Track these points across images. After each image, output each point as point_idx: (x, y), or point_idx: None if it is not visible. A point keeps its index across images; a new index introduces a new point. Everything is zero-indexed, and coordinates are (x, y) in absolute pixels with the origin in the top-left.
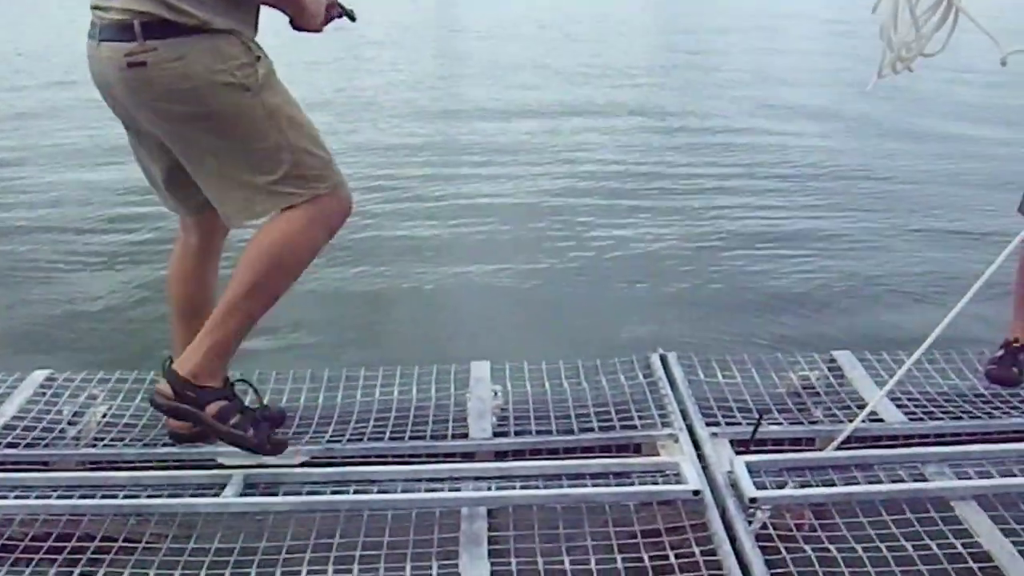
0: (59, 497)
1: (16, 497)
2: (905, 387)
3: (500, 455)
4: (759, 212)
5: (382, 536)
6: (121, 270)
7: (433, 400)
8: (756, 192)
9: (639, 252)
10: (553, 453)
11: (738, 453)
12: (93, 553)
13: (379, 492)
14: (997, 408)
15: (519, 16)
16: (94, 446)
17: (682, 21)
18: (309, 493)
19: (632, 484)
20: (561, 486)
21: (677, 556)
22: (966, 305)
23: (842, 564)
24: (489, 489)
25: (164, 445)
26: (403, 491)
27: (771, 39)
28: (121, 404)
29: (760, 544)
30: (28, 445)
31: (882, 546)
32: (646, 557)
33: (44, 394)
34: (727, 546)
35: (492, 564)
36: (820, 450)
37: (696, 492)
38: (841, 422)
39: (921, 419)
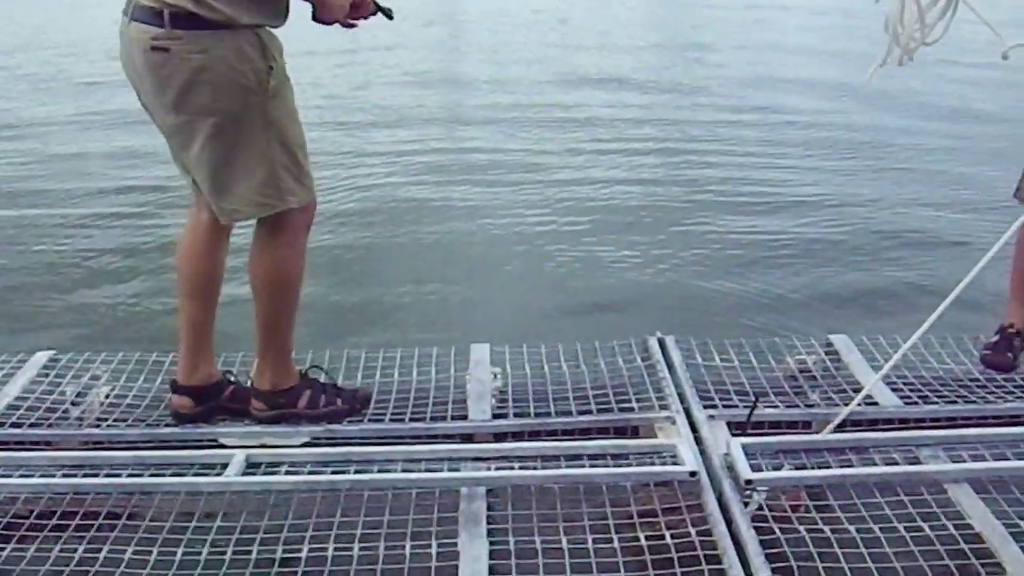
0: (63, 476)
1: (21, 476)
2: (901, 371)
3: (499, 437)
4: (758, 197)
5: (382, 515)
6: (124, 251)
7: (433, 382)
8: (755, 178)
9: (637, 236)
10: (551, 435)
11: (734, 435)
12: (97, 531)
13: (379, 472)
14: (992, 393)
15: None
16: (97, 426)
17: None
18: (310, 473)
19: (629, 465)
20: (559, 467)
21: (673, 536)
22: (962, 291)
23: (836, 545)
24: (488, 470)
25: (167, 425)
26: (403, 471)
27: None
28: (124, 384)
29: (755, 525)
30: (32, 425)
31: (876, 527)
32: (643, 537)
33: (47, 375)
34: (723, 527)
35: (491, 543)
36: (816, 433)
37: (693, 473)
38: (837, 405)
39: (916, 403)
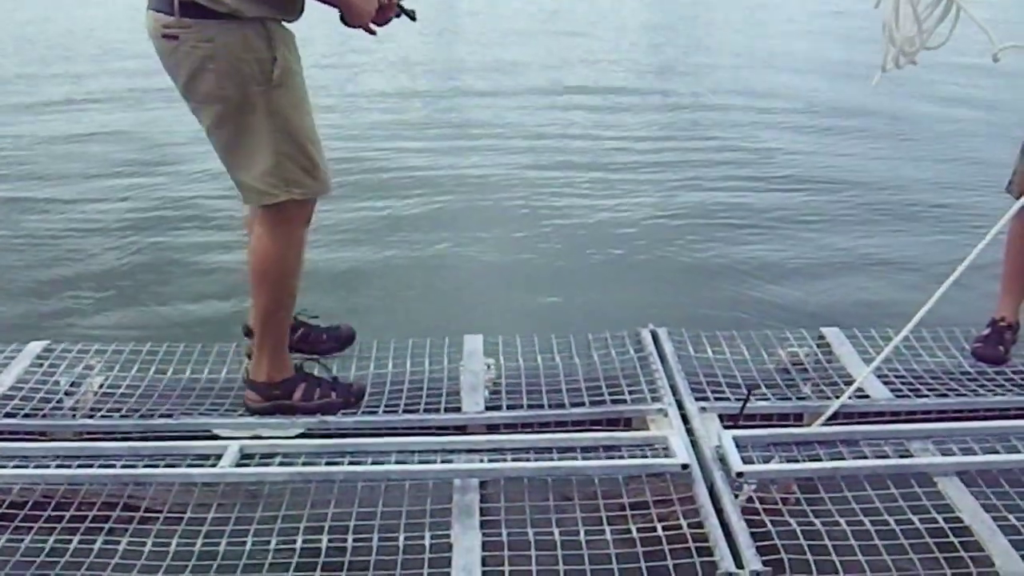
0: (58, 467)
1: (15, 467)
2: (892, 364)
3: (492, 428)
4: (750, 190)
5: (376, 507)
6: (119, 240)
7: (427, 374)
8: (746, 169)
9: (631, 228)
10: (544, 427)
11: (726, 428)
12: (91, 522)
13: (373, 464)
14: (983, 386)
15: None
16: (91, 417)
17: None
18: (304, 464)
19: (621, 457)
20: (552, 459)
21: (665, 528)
22: (953, 283)
23: (826, 537)
24: (481, 461)
25: (161, 416)
26: (397, 463)
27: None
28: (118, 374)
29: (746, 517)
30: (26, 416)
31: (866, 520)
32: (634, 529)
33: (41, 365)
34: (714, 519)
35: (483, 534)
36: (807, 426)
37: (684, 466)
38: (829, 398)
39: (907, 396)
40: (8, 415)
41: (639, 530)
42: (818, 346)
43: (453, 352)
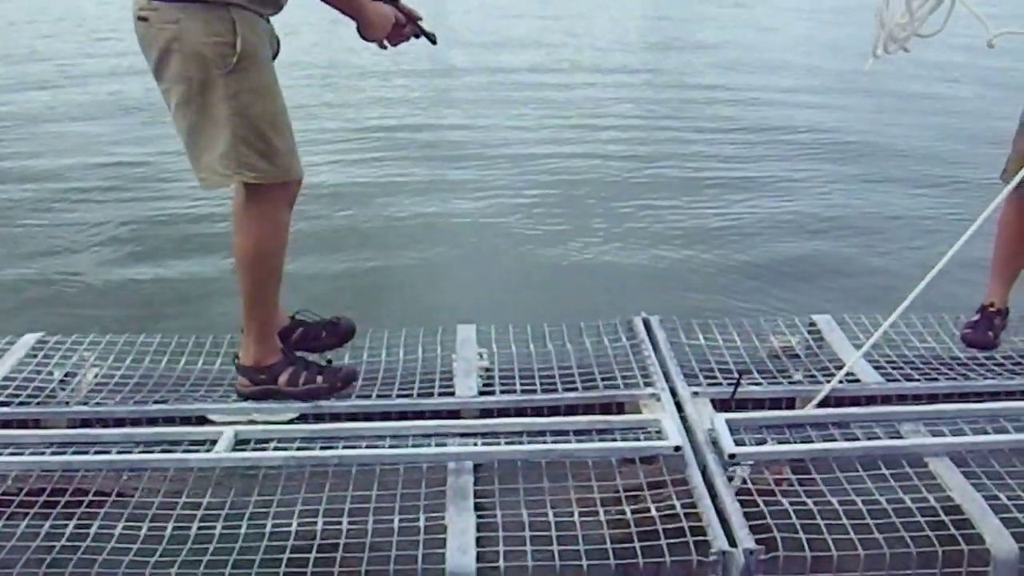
0: (52, 454)
1: (10, 454)
2: (883, 350)
3: (486, 413)
4: (741, 179)
5: (370, 490)
6: (113, 232)
7: (420, 360)
8: (739, 158)
9: (623, 217)
10: (538, 412)
11: (719, 411)
12: (87, 508)
13: (367, 447)
14: (972, 370)
15: None
16: (86, 404)
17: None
18: (299, 449)
19: (615, 440)
20: (545, 442)
21: (659, 510)
22: (943, 269)
23: (819, 517)
24: (475, 445)
25: (155, 403)
26: (391, 447)
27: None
28: (112, 365)
29: (739, 499)
30: (21, 404)
31: (858, 500)
32: (628, 511)
33: (35, 356)
34: (707, 501)
35: (478, 517)
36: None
37: (677, 448)
38: (820, 383)
39: (898, 380)
40: (2, 404)
41: (633, 512)
42: (809, 333)
43: (446, 341)
